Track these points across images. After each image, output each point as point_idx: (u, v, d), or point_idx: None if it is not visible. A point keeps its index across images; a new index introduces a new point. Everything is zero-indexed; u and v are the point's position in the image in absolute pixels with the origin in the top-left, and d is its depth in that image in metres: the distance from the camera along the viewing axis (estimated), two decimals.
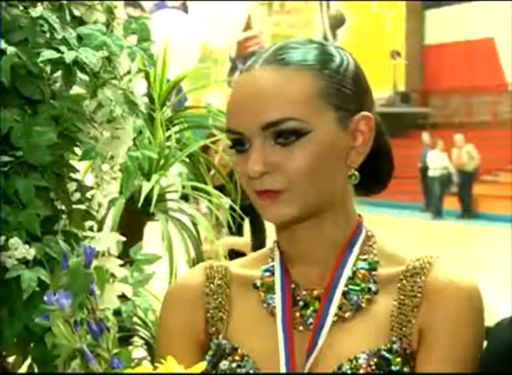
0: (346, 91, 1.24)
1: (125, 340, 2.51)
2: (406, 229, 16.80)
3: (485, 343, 1.21)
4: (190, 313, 1.30)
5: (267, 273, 1.29)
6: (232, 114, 1.24)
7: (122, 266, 1.74)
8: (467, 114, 24.42)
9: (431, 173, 19.08)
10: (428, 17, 26.81)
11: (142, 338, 2.60)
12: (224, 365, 1.23)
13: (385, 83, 24.89)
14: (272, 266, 1.29)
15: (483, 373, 1.17)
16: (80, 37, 1.63)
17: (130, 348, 2.59)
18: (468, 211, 18.77)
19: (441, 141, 19.13)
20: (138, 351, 2.66)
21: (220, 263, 1.34)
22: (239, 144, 1.23)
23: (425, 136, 20.28)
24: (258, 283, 1.29)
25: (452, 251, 13.27)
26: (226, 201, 2.77)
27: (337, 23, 27.15)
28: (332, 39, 25.95)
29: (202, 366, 1.05)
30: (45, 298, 1.19)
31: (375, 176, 1.33)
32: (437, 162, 19.03)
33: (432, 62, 26.09)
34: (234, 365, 1.23)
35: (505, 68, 23.83)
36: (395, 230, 15.67)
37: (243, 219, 3.14)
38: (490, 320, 1.24)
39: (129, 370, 1.07)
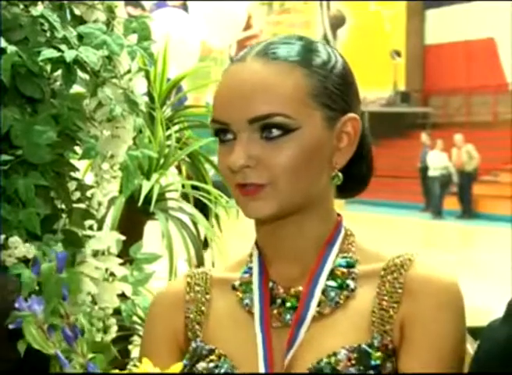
0: (334, 90, 1.23)
1: (124, 339, 2.51)
2: (406, 229, 16.79)
3: (477, 343, 1.21)
4: (170, 320, 1.31)
5: (246, 275, 1.29)
6: (220, 104, 1.23)
7: (121, 264, 1.75)
8: (467, 114, 24.40)
9: (431, 172, 19.05)
10: (429, 17, 26.78)
11: (141, 337, 2.60)
12: (201, 366, 1.23)
13: (385, 82, 24.86)
14: (251, 267, 1.29)
15: (476, 373, 1.17)
16: (80, 36, 1.64)
17: (130, 347, 2.59)
18: (468, 211, 18.76)
19: (441, 140, 19.10)
20: (138, 350, 2.66)
21: (202, 270, 1.35)
22: (222, 133, 1.22)
23: (425, 136, 20.26)
24: (237, 284, 1.29)
25: (451, 251, 13.27)
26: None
27: (337, 22, 27.13)
28: (332, 39, 25.94)
29: (178, 366, 1.06)
30: (16, 305, 1.17)
31: (354, 177, 1.32)
32: (437, 161, 19.01)
33: (432, 62, 26.07)
34: (211, 365, 1.23)
35: (505, 68, 23.82)
36: (395, 230, 15.67)
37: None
38: (487, 320, 1.24)
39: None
